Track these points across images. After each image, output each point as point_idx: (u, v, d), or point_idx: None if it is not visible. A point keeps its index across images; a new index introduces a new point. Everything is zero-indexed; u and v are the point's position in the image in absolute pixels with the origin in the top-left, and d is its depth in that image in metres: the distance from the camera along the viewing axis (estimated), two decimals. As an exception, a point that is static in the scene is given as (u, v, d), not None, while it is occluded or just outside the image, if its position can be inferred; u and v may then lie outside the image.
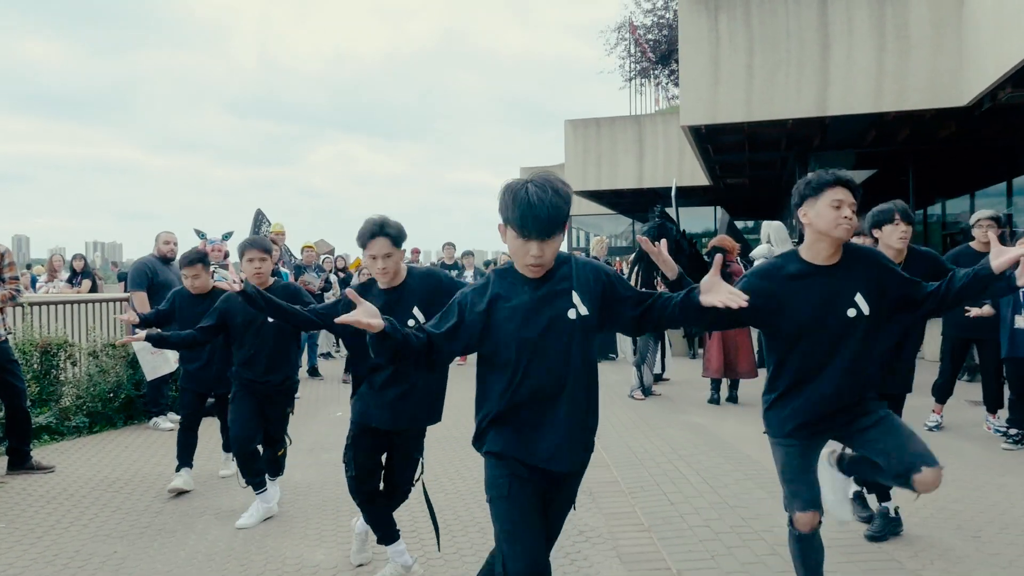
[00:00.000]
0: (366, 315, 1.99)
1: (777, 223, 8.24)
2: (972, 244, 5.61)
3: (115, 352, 6.89)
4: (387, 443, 3.21)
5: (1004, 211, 13.62)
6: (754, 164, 15.18)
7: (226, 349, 4.27)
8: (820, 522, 2.64)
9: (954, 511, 4.03)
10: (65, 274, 11.33)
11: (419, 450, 3.26)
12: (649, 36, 22.87)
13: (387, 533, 3.27)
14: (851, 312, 2.49)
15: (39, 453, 5.43)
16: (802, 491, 2.61)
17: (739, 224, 18.59)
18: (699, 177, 17.30)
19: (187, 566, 3.50)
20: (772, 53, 10.48)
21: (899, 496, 3.49)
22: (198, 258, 4.65)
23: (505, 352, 2.14)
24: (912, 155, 13.21)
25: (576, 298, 2.17)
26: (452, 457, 5.24)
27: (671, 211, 8.88)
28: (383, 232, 3.01)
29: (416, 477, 3.25)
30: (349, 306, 2.18)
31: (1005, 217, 13.79)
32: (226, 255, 8.01)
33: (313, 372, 9.55)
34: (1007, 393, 5.60)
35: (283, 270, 8.89)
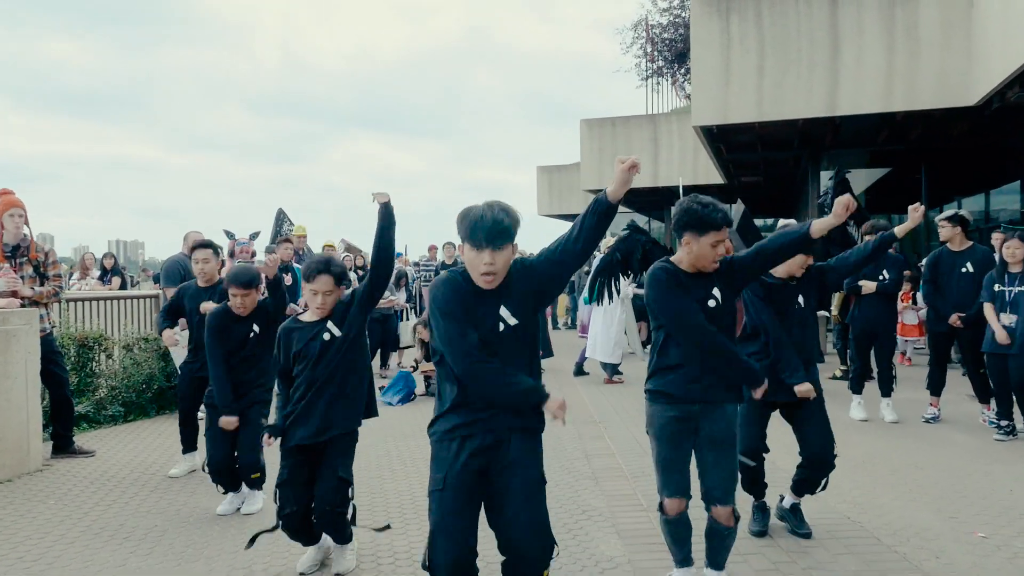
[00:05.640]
0: None
1: (790, 221, 8.51)
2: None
3: (147, 345, 7.27)
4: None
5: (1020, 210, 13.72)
6: (768, 163, 15.33)
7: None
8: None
9: (935, 495, 4.27)
10: (96, 272, 11.77)
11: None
12: (665, 35, 23.04)
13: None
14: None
15: (79, 439, 5.79)
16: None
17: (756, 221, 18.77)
18: (713, 175, 17.46)
19: (221, 539, 3.83)
20: (783, 54, 10.66)
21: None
22: (209, 243, 5.00)
23: None
24: (925, 154, 13.32)
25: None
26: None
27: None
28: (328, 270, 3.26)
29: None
30: None
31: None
32: (253, 255, 8.35)
33: None
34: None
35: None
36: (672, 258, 3.06)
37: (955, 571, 3.24)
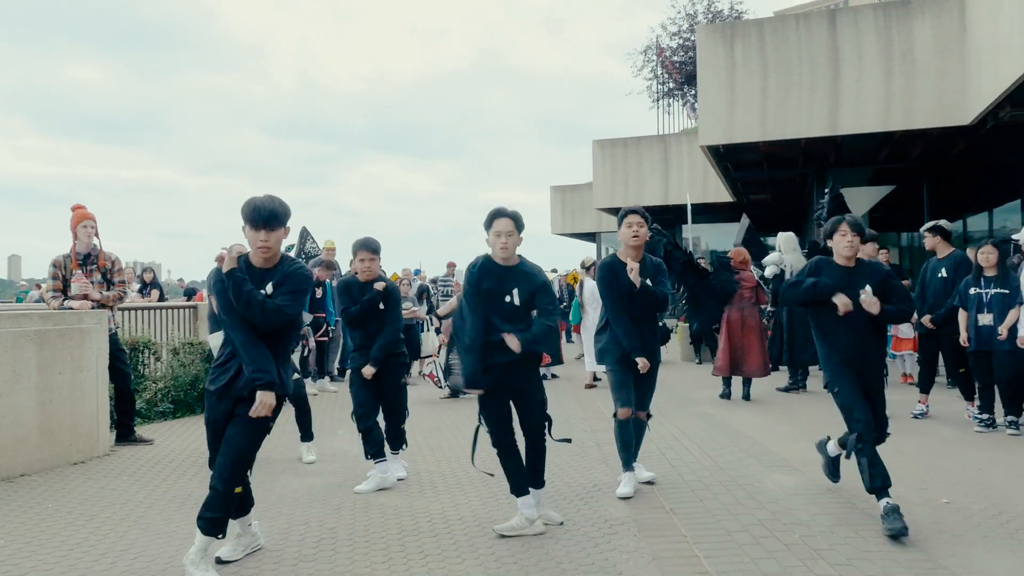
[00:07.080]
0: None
1: (788, 233, 8.96)
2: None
3: (192, 349, 7.89)
4: None
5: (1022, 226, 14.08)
6: (774, 181, 15.84)
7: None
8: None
9: (908, 470, 4.77)
10: (136, 285, 12.44)
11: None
12: (675, 58, 23.71)
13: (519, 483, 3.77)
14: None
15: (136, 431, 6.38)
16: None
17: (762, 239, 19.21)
18: (723, 194, 17.97)
19: (280, 505, 4.39)
20: (785, 76, 11.22)
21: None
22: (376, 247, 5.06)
23: None
24: (926, 171, 13.78)
25: None
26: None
27: (686, 226, 9.78)
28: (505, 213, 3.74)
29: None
30: None
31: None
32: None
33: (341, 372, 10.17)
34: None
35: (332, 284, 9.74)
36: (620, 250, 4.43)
37: (916, 526, 3.73)
